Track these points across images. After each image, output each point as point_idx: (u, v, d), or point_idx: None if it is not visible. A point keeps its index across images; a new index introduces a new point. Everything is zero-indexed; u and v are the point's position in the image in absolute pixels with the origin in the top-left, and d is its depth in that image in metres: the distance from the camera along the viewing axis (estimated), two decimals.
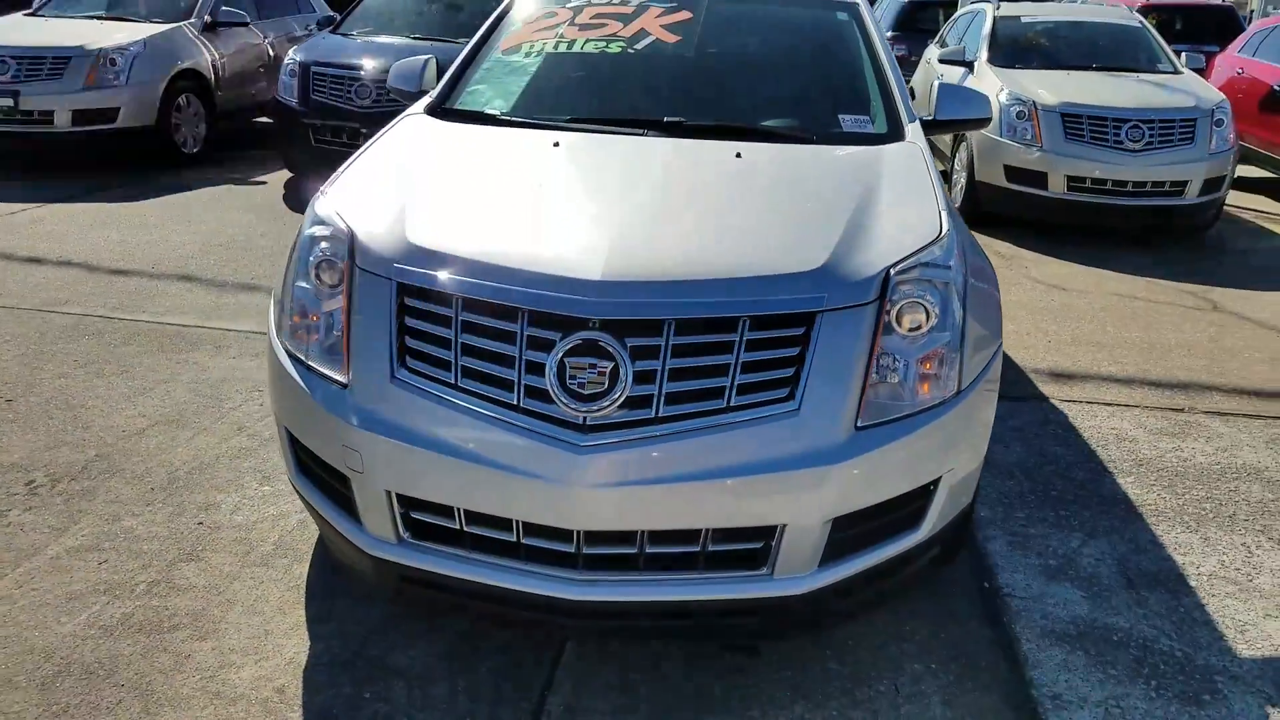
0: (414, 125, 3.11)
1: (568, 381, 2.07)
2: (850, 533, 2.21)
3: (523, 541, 2.16)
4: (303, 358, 2.36)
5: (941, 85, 3.44)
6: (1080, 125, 6.99)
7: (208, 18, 9.17)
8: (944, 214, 2.57)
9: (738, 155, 2.83)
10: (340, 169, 2.80)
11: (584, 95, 3.33)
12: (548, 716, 2.32)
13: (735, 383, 2.11)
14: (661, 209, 2.50)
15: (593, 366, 2.07)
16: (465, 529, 2.19)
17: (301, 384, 2.31)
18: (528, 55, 3.45)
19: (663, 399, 2.09)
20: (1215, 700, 2.44)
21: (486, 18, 10.00)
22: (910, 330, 2.26)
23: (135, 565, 2.82)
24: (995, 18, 8.54)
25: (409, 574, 2.24)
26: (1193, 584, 2.93)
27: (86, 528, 3.00)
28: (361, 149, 2.94)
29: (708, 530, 2.13)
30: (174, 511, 3.11)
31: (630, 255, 2.22)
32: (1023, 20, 8.57)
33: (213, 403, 3.90)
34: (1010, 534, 3.16)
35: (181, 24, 8.92)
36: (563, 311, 2.10)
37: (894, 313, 2.25)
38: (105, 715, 2.25)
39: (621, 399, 2.07)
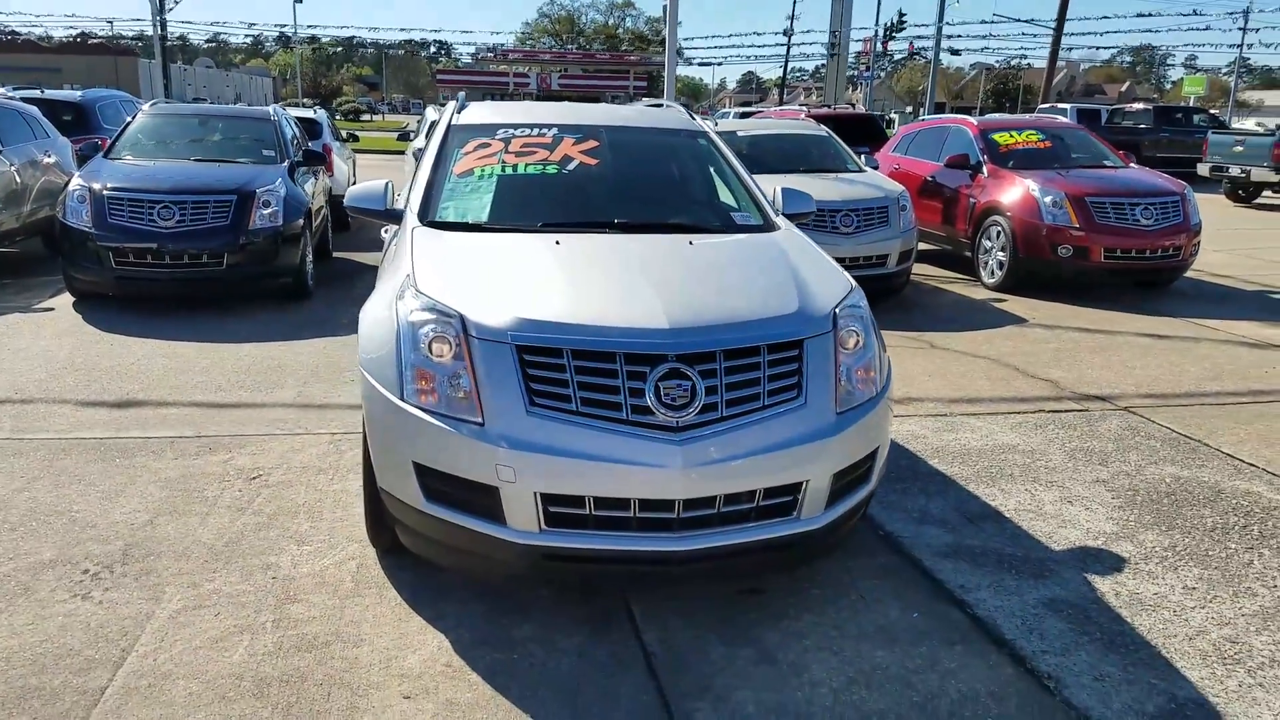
0: (430, 234, 3.90)
1: (663, 398, 3.01)
2: (840, 484, 3.29)
3: (637, 515, 3.04)
4: (434, 409, 3.10)
5: (784, 189, 4.72)
6: None
7: None
8: (847, 274, 3.79)
9: (690, 242, 3.91)
10: (398, 268, 3.56)
11: (546, 205, 4.27)
12: (652, 646, 3.17)
13: (766, 389, 3.14)
14: (673, 279, 3.50)
15: (679, 386, 3.03)
16: (593, 513, 3.03)
17: (445, 427, 3.05)
18: (481, 178, 4.34)
19: (724, 404, 3.08)
20: (1053, 575, 3.74)
21: (251, 139, 10.29)
22: (853, 349, 3.42)
23: (248, 612, 3.32)
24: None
25: (550, 552, 3.04)
26: (1007, 516, 4.28)
27: (177, 594, 3.43)
28: (392, 253, 3.71)
29: (760, 490, 3.13)
30: (243, 573, 3.59)
31: (678, 311, 3.20)
32: (738, 134, 10.39)
33: (193, 495, 4.30)
34: (879, 502, 4.38)
35: None
36: (650, 351, 3.05)
37: (840, 337, 3.39)
38: (326, 702, 2.83)
39: (699, 407, 3.04)
